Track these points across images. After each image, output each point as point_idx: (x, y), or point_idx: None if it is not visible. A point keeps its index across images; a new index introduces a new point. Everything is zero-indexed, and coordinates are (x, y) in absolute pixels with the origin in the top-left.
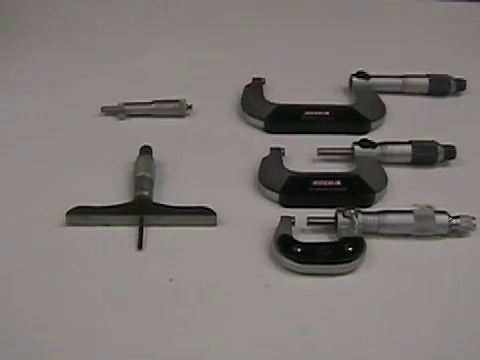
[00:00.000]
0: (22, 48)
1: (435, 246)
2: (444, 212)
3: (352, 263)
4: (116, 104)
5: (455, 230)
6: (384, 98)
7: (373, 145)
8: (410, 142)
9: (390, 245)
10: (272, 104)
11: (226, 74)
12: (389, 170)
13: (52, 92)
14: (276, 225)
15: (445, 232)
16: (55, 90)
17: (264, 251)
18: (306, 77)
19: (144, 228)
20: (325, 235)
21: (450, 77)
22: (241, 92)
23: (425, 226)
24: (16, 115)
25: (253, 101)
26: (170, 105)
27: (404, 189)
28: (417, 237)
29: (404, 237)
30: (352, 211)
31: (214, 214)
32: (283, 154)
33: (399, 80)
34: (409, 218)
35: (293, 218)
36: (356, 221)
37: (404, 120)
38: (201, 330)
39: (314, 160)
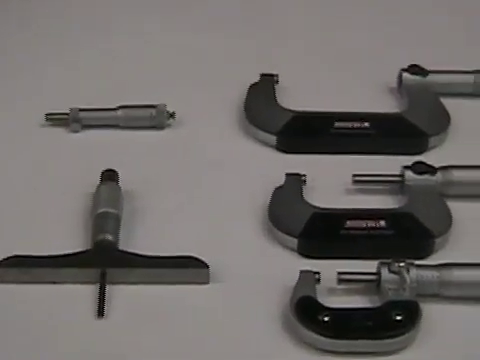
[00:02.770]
0: None
1: None
2: None
3: (402, 337)
4: (67, 110)
5: None
6: (448, 103)
7: (432, 170)
8: None
9: (456, 312)
10: (289, 111)
11: (223, 69)
12: (454, 206)
13: None
14: (294, 283)
15: None
16: None
17: (277, 320)
18: (336, 73)
19: (107, 287)
20: (363, 298)
21: None
22: (245, 95)
23: None
24: None
25: (262, 107)
26: (144, 112)
27: (476, 233)
28: None
29: (476, 301)
30: (402, 264)
31: (206, 267)
32: (304, 182)
33: (469, 77)
34: None
35: (318, 274)
36: (407, 278)
37: (476, 134)
38: None
39: (348, 191)
